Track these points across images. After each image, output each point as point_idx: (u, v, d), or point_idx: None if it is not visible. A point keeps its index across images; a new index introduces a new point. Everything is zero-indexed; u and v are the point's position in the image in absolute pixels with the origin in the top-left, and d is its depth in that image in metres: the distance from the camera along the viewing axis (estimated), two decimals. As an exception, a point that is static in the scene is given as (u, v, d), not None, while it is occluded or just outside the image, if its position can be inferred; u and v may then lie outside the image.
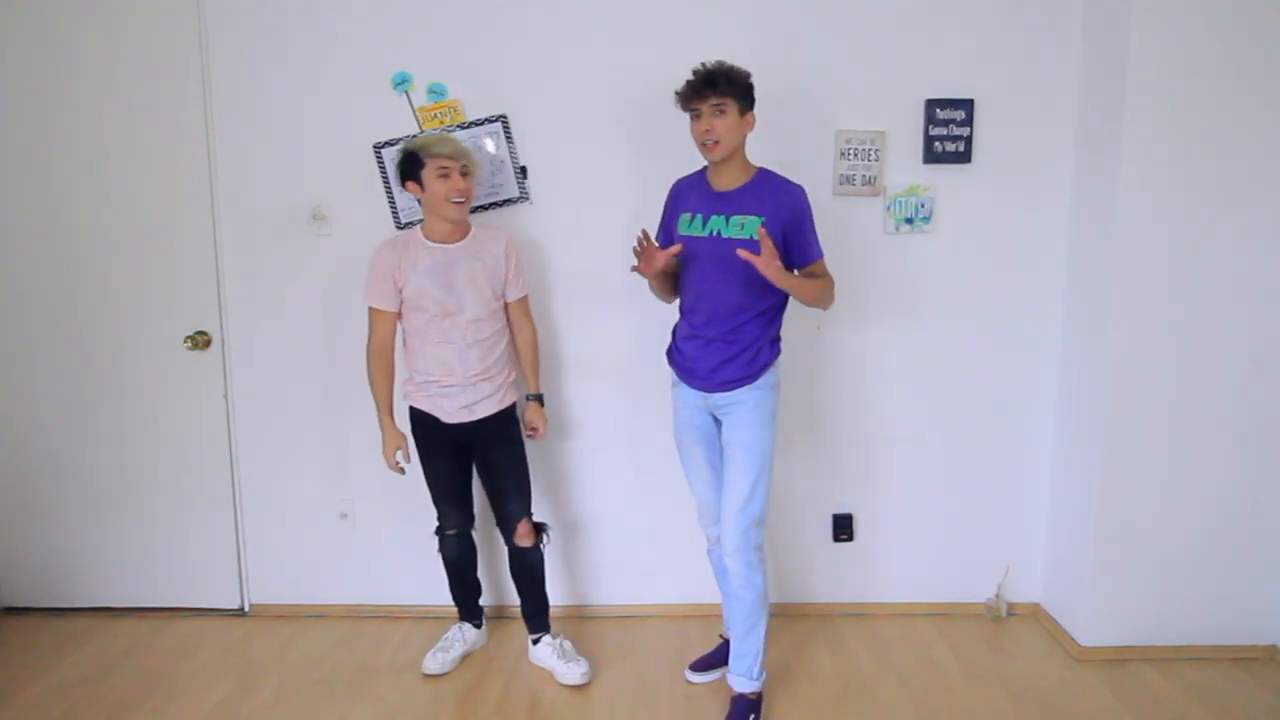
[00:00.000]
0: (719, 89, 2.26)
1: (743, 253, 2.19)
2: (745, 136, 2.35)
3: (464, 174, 2.53)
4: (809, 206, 2.37)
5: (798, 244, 2.35)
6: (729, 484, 2.42)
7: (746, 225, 2.30)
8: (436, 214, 2.56)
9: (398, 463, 2.69)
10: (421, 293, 2.54)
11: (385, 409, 2.69)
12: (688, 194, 2.48)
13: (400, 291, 2.58)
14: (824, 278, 2.40)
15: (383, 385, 2.67)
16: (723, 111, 2.28)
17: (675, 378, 2.54)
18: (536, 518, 2.79)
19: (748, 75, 2.33)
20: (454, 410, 2.62)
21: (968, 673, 2.77)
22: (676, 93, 2.33)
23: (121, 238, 2.99)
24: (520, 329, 2.75)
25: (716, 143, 2.29)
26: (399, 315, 2.63)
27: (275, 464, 3.11)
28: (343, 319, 2.95)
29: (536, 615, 2.82)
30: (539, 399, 2.80)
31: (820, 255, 2.40)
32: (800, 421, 3.04)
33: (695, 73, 2.31)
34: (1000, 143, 2.88)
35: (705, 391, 2.44)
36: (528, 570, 2.77)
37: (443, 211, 2.54)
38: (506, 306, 2.70)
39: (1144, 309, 2.67)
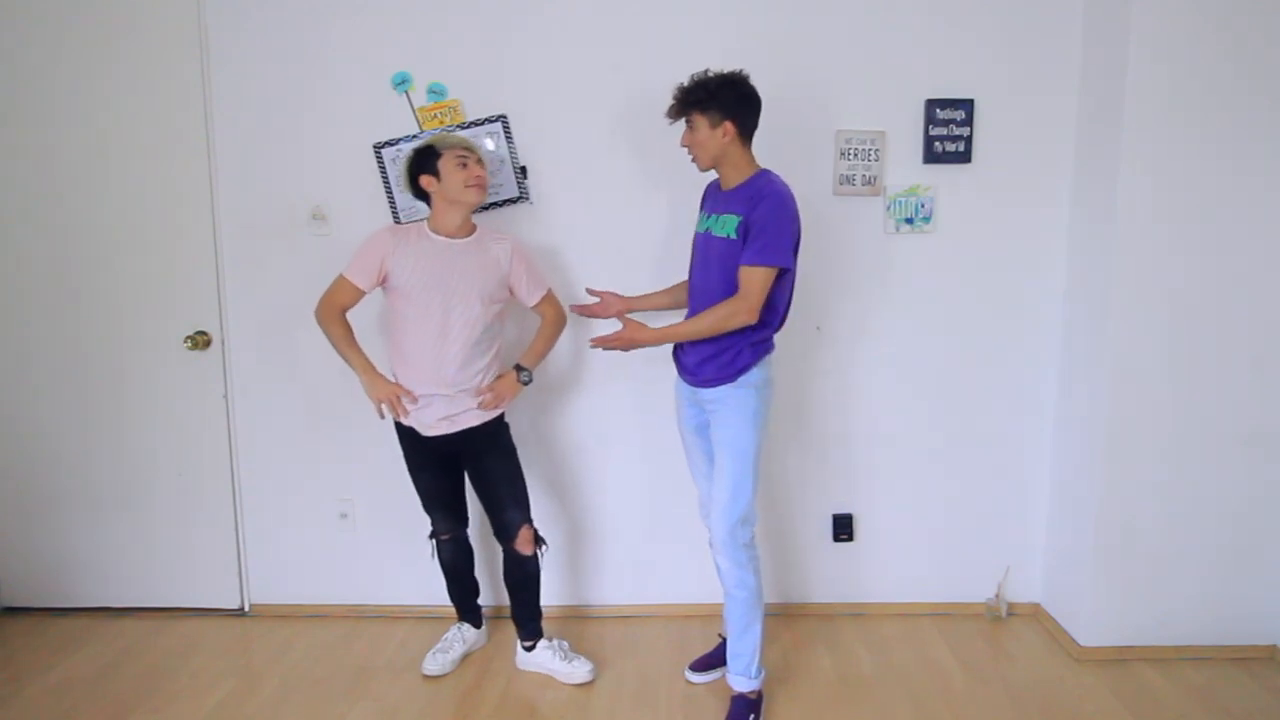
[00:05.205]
0: (685, 107, 2.33)
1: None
2: (727, 142, 2.31)
3: (479, 164, 2.56)
4: (775, 210, 2.25)
5: (747, 243, 2.27)
6: (715, 482, 2.44)
7: (726, 224, 2.33)
8: (454, 202, 2.53)
9: (403, 405, 2.54)
10: (414, 279, 2.51)
11: (355, 351, 2.56)
12: (706, 193, 2.54)
13: (383, 280, 2.55)
14: (720, 307, 2.28)
15: (340, 330, 2.56)
16: (693, 128, 2.34)
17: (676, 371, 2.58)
18: (534, 523, 2.75)
19: (719, 83, 2.29)
20: (433, 422, 2.57)
21: (968, 673, 2.77)
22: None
23: (121, 238, 2.99)
24: (545, 315, 2.73)
25: (694, 157, 2.38)
26: (364, 295, 2.57)
27: (275, 464, 3.11)
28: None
29: (531, 622, 2.79)
30: (519, 371, 2.65)
31: (753, 261, 2.24)
32: (800, 421, 3.05)
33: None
34: (1000, 143, 2.88)
35: (692, 387, 2.47)
36: (526, 578, 2.74)
37: (462, 197, 2.52)
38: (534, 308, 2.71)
39: (1144, 309, 2.67)
